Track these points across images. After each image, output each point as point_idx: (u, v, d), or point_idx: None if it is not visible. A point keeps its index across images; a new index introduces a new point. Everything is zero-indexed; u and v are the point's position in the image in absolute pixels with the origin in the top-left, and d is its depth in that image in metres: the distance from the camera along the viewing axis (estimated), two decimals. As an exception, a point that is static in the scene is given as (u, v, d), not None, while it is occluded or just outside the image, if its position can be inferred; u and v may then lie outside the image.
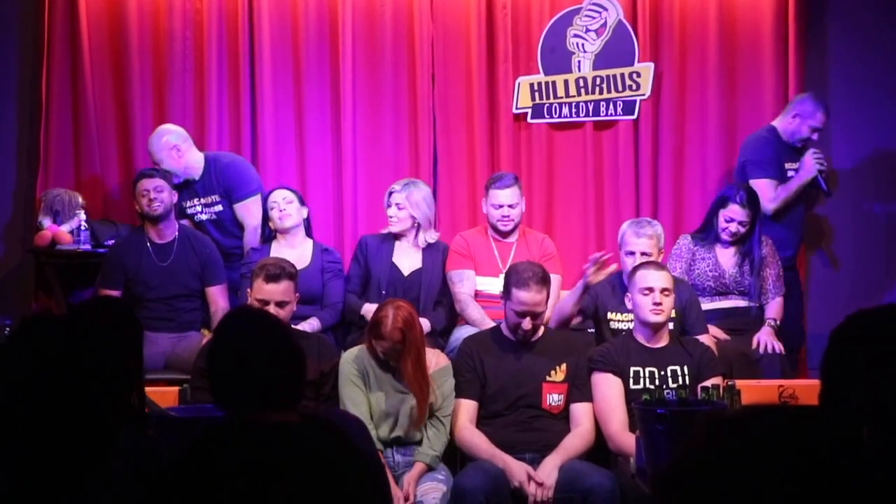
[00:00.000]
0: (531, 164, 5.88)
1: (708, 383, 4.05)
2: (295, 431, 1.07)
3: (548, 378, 4.29)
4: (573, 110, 5.82)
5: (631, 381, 4.23)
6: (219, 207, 5.40)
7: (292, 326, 4.25)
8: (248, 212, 5.35)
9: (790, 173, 5.39)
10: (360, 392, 4.18)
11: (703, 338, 4.53)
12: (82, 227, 5.44)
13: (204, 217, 5.42)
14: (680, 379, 4.22)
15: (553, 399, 4.28)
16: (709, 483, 1.07)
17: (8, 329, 4.20)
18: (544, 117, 5.84)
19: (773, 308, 5.06)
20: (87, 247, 5.42)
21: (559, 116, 5.83)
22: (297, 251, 5.07)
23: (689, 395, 3.92)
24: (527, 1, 5.88)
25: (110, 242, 5.37)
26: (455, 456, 4.30)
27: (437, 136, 5.89)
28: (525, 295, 4.22)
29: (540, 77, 5.82)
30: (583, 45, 5.82)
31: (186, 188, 5.40)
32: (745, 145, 5.53)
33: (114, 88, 5.82)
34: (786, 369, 4.83)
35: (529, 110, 5.83)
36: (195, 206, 5.42)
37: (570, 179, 5.90)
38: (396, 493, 4.04)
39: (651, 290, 4.23)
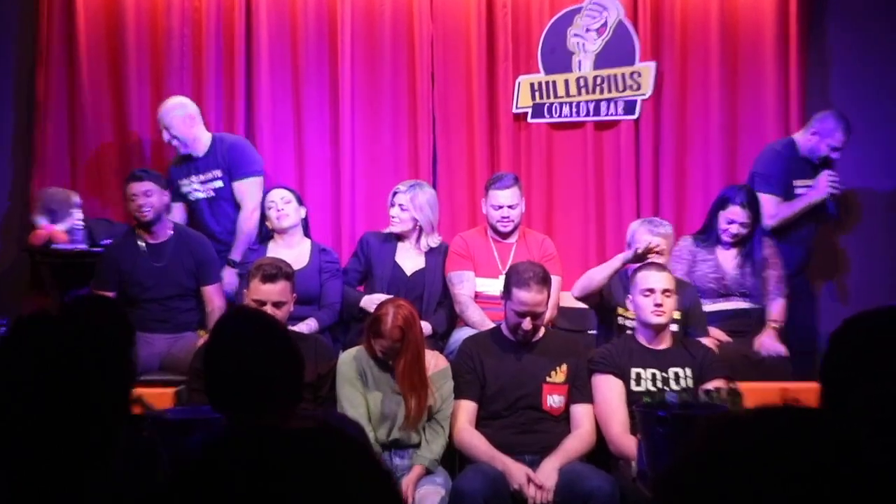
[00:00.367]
0: (531, 164, 5.88)
1: (710, 386, 4.05)
2: (308, 440, 1.07)
3: (548, 379, 4.29)
4: (574, 110, 5.83)
5: (632, 382, 4.23)
6: (219, 184, 5.40)
7: (289, 327, 4.25)
8: (248, 192, 5.34)
9: (799, 190, 5.35)
10: (357, 393, 4.18)
11: (703, 340, 4.54)
12: (78, 227, 5.44)
13: (201, 194, 5.41)
14: (682, 381, 4.22)
15: (553, 400, 4.28)
16: (710, 486, 1.07)
17: (3, 329, 4.20)
18: (544, 117, 5.84)
19: (775, 309, 5.05)
20: (83, 246, 5.42)
21: (559, 116, 5.83)
22: (294, 251, 5.07)
23: (691, 397, 3.92)
24: (527, 0, 5.89)
25: (106, 242, 5.36)
26: (454, 458, 4.29)
27: (437, 136, 5.89)
28: (526, 295, 4.23)
29: (540, 76, 5.82)
30: (583, 44, 5.82)
31: (185, 164, 5.40)
32: (758, 157, 5.49)
33: (110, 86, 5.82)
34: (789, 372, 4.83)
35: (530, 110, 5.84)
36: (192, 183, 5.41)
37: (570, 180, 5.90)
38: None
39: (652, 291, 4.25)
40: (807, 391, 4.27)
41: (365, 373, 4.20)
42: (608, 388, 4.24)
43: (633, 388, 4.22)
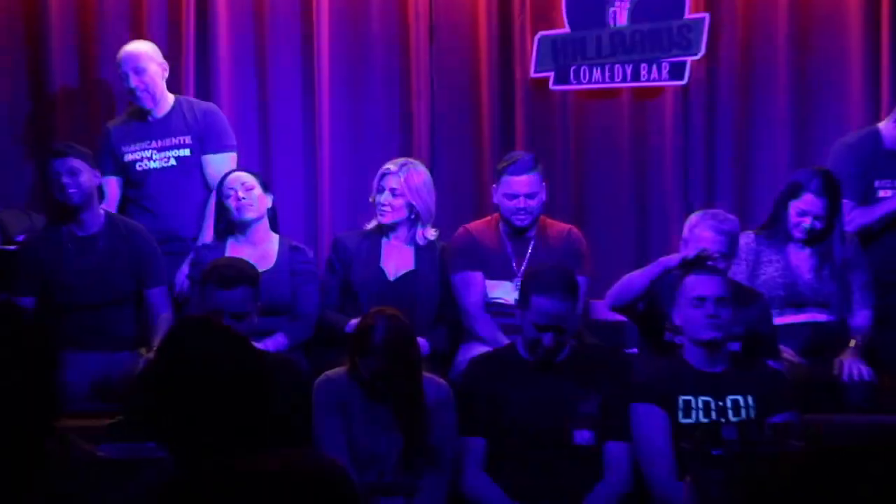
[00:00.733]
0: (554, 143, 5.89)
1: (779, 419, 4.04)
2: (275, 485, 1.04)
3: (576, 409, 4.28)
4: (607, 74, 5.84)
5: (681, 413, 4.23)
6: (185, 152, 5.43)
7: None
8: (220, 170, 5.32)
9: (883, 192, 5.35)
10: (338, 427, 4.17)
11: (770, 362, 4.53)
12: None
13: (153, 164, 5.43)
14: (743, 412, 4.22)
15: (582, 436, 4.28)
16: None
17: None
18: (570, 83, 5.85)
19: (860, 323, 5.05)
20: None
21: (589, 82, 5.84)
22: (259, 249, 5.06)
23: (754, 432, 3.91)
24: (548, -63, 5.90)
25: (20, 238, 5.35)
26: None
27: (435, 106, 5.90)
28: (547, 303, 4.23)
29: (565, 32, 5.81)
30: (619, -9, 5.84)
31: (134, 125, 5.43)
32: (830, 151, 5.48)
33: (26, 42, 5.84)
34: (877, 401, 4.80)
35: (552, 74, 5.82)
36: (143, 150, 5.42)
37: (602, 162, 5.92)
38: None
39: (704, 299, 4.24)
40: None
41: (348, 401, 4.18)
42: (650, 421, 4.24)
43: (682, 420, 4.22)
